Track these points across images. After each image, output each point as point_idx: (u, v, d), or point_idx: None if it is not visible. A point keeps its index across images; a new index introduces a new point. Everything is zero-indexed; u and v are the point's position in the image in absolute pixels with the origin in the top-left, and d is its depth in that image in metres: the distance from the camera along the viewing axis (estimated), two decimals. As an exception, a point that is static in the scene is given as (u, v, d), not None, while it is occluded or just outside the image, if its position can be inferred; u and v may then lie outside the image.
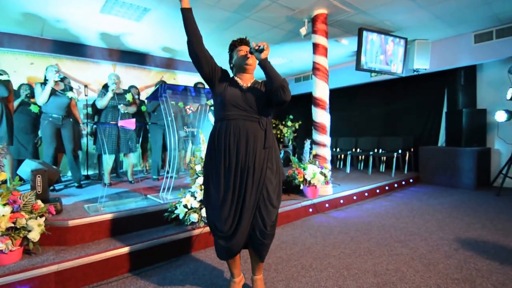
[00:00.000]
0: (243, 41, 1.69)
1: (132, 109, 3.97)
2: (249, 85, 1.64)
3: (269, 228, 1.56)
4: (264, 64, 1.53)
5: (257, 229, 1.54)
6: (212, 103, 1.97)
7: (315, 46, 3.87)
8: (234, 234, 1.53)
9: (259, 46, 1.52)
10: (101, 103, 3.74)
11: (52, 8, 3.71)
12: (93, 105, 4.61)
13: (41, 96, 3.38)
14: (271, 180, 1.57)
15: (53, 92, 3.44)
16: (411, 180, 5.20)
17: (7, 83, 3.08)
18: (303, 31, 4.00)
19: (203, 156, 2.72)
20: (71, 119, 3.67)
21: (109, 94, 3.70)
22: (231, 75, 1.72)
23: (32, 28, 4.35)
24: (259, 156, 1.54)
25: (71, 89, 3.71)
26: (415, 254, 2.30)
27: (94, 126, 4.22)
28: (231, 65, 1.74)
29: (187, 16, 1.52)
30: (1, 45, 4.43)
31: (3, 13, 3.82)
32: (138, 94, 4.63)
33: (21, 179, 2.43)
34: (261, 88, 1.63)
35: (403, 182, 5.01)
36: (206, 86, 4.37)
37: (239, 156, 1.52)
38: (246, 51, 1.62)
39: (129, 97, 3.93)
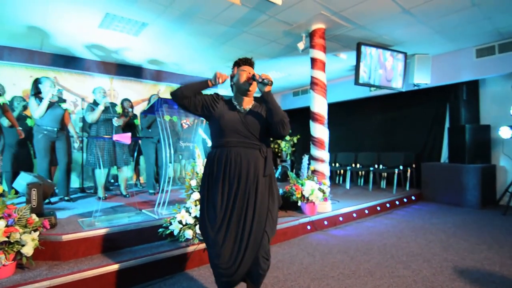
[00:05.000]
0: (247, 61, 1.72)
1: (117, 122, 4.03)
2: (248, 108, 1.66)
3: (267, 257, 1.59)
4: (267, 98, 1.57)
5: (259, 259, 1.55)
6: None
7: (313, 60, 4.05)
8: (237, 268, 1.49)
9: (264, 79, 1.56)
10: (93, 117, 3.82)
11: (52, 22, 3.94)
12: (84, 120, 4.76)
13: (38, 110, 3.45)
14: (273, 209, 1.61)
15: (50, 105, 3.53)
16: (413, 198, 5.25)
17: None
18: (300, 45, 4.19)
19: (198, 171, 2.84)
20: (65, 132, 3.79)
21: (101, 107, 3.80)
22: (227, 93, 1.79)
23: (32, 41, 4.60)
24: (261, 185, 1.57)
25: (64, 100, 3.83)
26: (418, 276, 2.29)
27: (86, 139, 4.32)
28: (232, 83, 1.75)
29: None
30: (1, 58, 4.68)
31: (5, 26, 4.05)
32: (132, 107, 4.80)
33: (16, 192, 2.53)
34: (261, 112, 1.66)
35: (405, 200, 5.05)
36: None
37: (240, 184, 1.53)
38: (249, 76, 1.64)
39: (118, 109, 4.07)
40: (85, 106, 4.80)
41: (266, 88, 1.58)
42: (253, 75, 1.62)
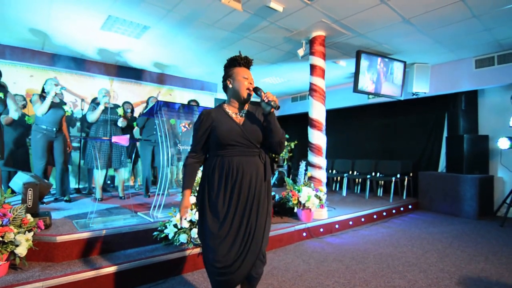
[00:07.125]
0: (247, 63, 1.65)
1: (123, 123, 4.15)
2: (243, 114, 1.64)
3: (264, 260, 1.63)
4: (270, 119, 1.57)
5: (256, 262, 1.57)
6: None
7: (312, 67, 4.09)
8: (238, 269, 1.50)
9: (270, 101, 1.52)
10: (92, 117, 3.91)
11: (54, 23, 4.00)
12: (83, 119, 4.79)
13: (41, 108, 3.50)
14: (269, 212, 1.65)
15: (52, 105, 3.61)
16: (409, 206, 5.27)
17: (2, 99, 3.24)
18: (300, 52, 4.25)
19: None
20: (63, 133, 3.85)
21: (101, 107, 3.90)
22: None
23: (33, 41, 4.65)
24: (263, 190, 1.61)
25: (64, 103, 3.90)
26: (413, 287, 2.29)
27: (83, 140, 4.40)
28: (228, 85, 1.65)
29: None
30: (3, 57, 4.73)
31: (7, 26, 4.11)
32: (132, 110, 4.84)
33: (13, 191, 2.55)
34: (258, 117, 1.64)
35: (402, 208, 5.07)
36: (200, 104, 4.60)
37: (242, 192, 1.54)
38: (251, 89, 1.60)
39: (120, 111, 4.13)
40: (85, 106, 4.88)
41: (271, 110, 1.56)
42: (258, 90, 1.59)
